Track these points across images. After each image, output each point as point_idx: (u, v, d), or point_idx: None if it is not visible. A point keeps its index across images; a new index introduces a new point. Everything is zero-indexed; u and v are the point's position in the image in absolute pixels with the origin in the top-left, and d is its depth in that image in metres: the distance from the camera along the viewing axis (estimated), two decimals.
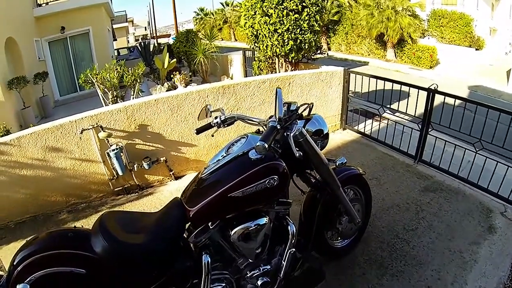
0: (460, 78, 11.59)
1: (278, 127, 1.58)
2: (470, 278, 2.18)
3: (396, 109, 3.71)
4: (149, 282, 1.51)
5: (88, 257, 1.38)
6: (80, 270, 1.37)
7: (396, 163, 3.58)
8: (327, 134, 1.99)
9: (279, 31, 4.94)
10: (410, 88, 3.45)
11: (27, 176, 3.07)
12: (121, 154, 3.25)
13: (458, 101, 3.13)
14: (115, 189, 3.44)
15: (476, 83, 10.96)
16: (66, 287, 1.42)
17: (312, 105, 1.95)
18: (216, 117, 1.90)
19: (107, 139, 3.20)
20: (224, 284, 1.68)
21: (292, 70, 5.34)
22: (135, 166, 3.36)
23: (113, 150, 3.19)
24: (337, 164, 1.93)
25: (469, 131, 3.04)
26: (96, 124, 3.15)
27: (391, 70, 13.08)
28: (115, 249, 1.39)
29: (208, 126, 1.94)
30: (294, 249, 1.78)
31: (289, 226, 1.77)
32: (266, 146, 1.42)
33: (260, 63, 5.82)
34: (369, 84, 3.89)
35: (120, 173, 3.28)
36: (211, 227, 1.60)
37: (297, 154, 1.63)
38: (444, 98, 3.19)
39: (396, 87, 3.56)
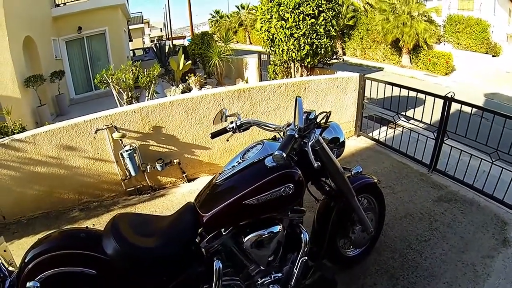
0: (476, 85, 11.34)
1: (296, 136, 1.57)
2: None
3: (411, 116, 3.65)
4: (160, 285, 1.52)
5: (99, 258, 1.40)
6: (90, 271, 1.39)
7: (410, 172, 3.53)
8: (343, 142, 1.98)
9: (295, 35, 4.92)
10: (426, 95, 3.40)
11: (41, 173, 3.11)
12: (135, 155, 3.28)
13: (475, 109, 3.06)
14: (128, 189, 3.46)
15: (493, 91, 10.70)
16: (76, 287, 1.44)
17: (330, 113, 1.95)
18: (231, 122, 1.90)
19: (121, 140, 3.23)
20: None
21: (307, 75, 5.33)
22: (148, 167, 3.38)
23: (126, 150, 3.22)
24: (352, 173, 1.92)
25: (485, 141, 2.96)
26: (111, 124, 3.19)
27: (406, 76, 12.92)
28: (126, 251, 1.40)
29: (224, 131, 1.94)
30: (306, 258, 1.76)
31: (302, 234, 1.75)
32: (284, 155, 1.41)
33: (276, 67, 5.81)
34: (384, 90, 3.85)
35: (133, 173, 3.31)
36: (224, 233, 1.60)
37: (315, 165, 1.60)
38: (461, 107, 3.13)
39: (412, 93, 3.52)
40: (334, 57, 6.19)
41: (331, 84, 4.08)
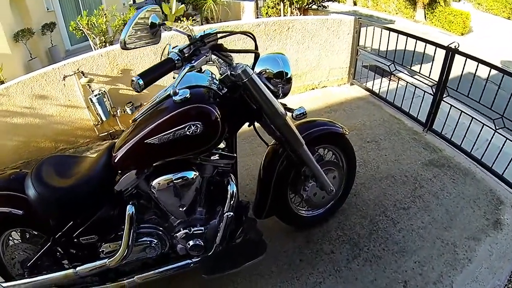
0: (492, 50, 9.59)
1: (175, 58, 1.12)
2: (458, 280, 1.65)
3: (409, 67, 2.88)
4: (75, 227, 1.40)
5: (23, 198, 1.35)
6: (17, 211, 1.38)
7: (403, 128, 2.87)
8: (290, 78, 1.50)
9: None
10: (436, 49, 2.53)
11: (18, 124, 2.92)
12: (104, 99, 2.95)
13: (482, 75, 2.28)
14: (100, 135, 3.20)
15: (509, 59, 9.05)
16: (10, 226, 1.50)
17: (254, 37, 1.37)
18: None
19: (89, 85, 2.91)
20: (154, 240, 1.46)
21: None
22: (118, 111, 3.08)
23: (95, 95, 2.91)
24: (294, 114, 1.43)
25: (490, 105, 2.25)
26: (78, 70, 2.85)
27: (418, 32, 11.03)
28: (42, 191, 1.32)
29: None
30: (231, 213, 1.43)
31: (229, 185, 1.42)
32: (141, 82, 1.03)
33: (269, 9, 4.99)
34: (388, 42, 3.02)
35: (103, 118, 3.01)
36: (136, 176, 1.35)
37: (222, 93, 1.30)
38: (465, 62, 2.36)
39: (420, 49, 2.67)
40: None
41: (320, 25, 3.30)
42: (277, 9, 4.86)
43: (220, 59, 1.27)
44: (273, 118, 1.41)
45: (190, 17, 7.53)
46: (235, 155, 1.46)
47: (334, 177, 1.78)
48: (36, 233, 1.54)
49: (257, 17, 7.26)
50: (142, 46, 1.17)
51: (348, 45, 3.48)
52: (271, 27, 3.21)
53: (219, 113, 1.25)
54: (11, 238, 1.59)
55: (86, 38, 10.62)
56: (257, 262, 1.55)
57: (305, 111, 1.44)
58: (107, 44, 5.41)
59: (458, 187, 2.20)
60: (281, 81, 1.46)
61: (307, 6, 4.44)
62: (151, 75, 1.04)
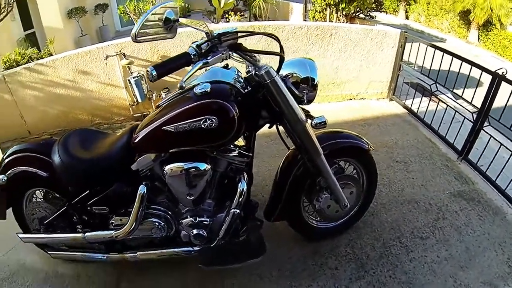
0: None
1: (192, 54, 1.12)
2: None
3: (451, 89, 2.67)
4: (90, 196, 1.51)
5: (49, 162, 1.47)
6: (43, 173, 1.52)
7: (436, 153, 2.69)
8: (317, 85, 1.47)
9: None
10: (482, 73, 2.33)
11: (60, 94, 3.15)
12: (142, 82, 3.09)
13: None
14: (135, 115, 3.36)
15: None
16: (34, 185, 1.67)
17: (278, 39, 1.32)
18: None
19: (128, 67, 3.07)
20: (161, 222, 1.52)
21: None
22: (154, 95, 3.21)
23: (134, 77, 3.05)
24: (314, 123, 1.38)
25: None
26: (120, 51, 3.01)
27: (469, 54, 9.99)
28: (65, 159, 1.43)
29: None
30: (238, 210, 1.45)
31: (240, 183, 1.43)
32: (155, 73, 1.05)
33: (316, 13, 4.90)
34: (432, 60, 2.83)
35: (139, 100, 3.16)
36: (151, 159, 1.41)
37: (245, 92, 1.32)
38: None
39: (465, 71, 2.45)
40: (380, 9, 4.93)
41: (364, 35, 3.18)
42: (324, 14, 4.77)
43: (242, 58, 1.27)
44: (293, 123, 1.39)
45: (239, 13, 7.59)
46: (250, 154, 1.46)
47: (351, 192, 1.72)
48: (57, 195, 1.67)
49: (304, 20, 7.18)
50: (156, 40, 1.20)
51: (391, 58, 3.34)
52: (314, 32, 3.16)
53: (237, 111, 1.26)
54: (35, 196, 1.77)
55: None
56: (254, 263, 1.55)
57: (325, 121, 1.40)
58: None
59: (484, 226, 2.01)
60: (307, 87, 1.43)
61: (354, 14, 4.30)
62: (165, 67, 1.08)
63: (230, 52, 1.22)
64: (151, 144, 1.38)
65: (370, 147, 1.68)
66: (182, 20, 1.19)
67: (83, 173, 1.46)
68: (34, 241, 1.76)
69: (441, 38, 12.38)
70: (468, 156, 2.55)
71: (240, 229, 1.58)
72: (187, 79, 1.11)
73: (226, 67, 1.42)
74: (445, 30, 13.21)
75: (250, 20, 8.21)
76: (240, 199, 1.44)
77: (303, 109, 1.45)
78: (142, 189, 1.42)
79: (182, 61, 1.11)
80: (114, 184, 1.47)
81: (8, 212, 1.77)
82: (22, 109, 3.16)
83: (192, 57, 1.12)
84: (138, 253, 1.61)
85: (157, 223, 1.51)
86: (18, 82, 3.04)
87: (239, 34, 1.23)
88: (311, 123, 1.40)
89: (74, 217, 1.65)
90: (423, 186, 2.33)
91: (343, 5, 4.01)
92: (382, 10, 5.01)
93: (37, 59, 3.62)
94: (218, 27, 1.13)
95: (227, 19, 7.40)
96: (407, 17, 14.93)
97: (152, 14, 1.11)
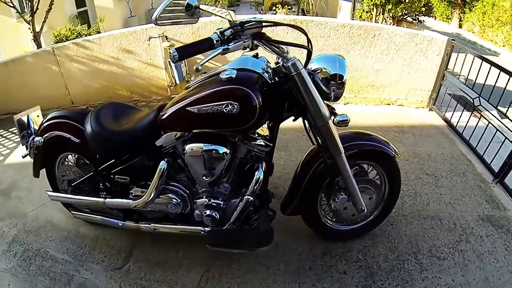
0: None
1: (215, 40, 1.15)
2: None
3: (496, 106, 2.47)
4: (115, 165, 1.60)
5: (82, 130, 1.58)
6: (76, 139, 1.64)
7: (470, 171, 2.53)
8: (344, 82, 1.42)
9: None
10: None
11: (103, 70, 3.36)
12: (181, 64, 3.21)
13: None
14: (171, 96, 3.49)
15: None
16: (67, 150, 1.81)
17: (310, 51, 1.32)
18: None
19: (170, 49, 3.18)
20: (178, 199, 1.59)
21: None
22: (192, 78, 3.28)
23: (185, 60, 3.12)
24: (336, 120, 1.37)
25: None
26: (163, 34, 3.13)
27: None
28: (96, 129, 1.53)
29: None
30: (251, 198, 1.48)
31: (257, 171, 1.45)
32: (176, 55, 1.10)
33: (363, 13, 4.72)
34: (478, 72, 2.63)
35: (177, 81, 3.28)
36: (175, 137, 1.46)
37: (271, 82, 1.33)
38: None
39: None
40: (430, 13, 4.64)
41: (408, 39, 3.02)
42: (371, 14, 4.59)
43: (268, 48, 1.27)
44: (316, 118, 1.38)
45: (286, 6, 7.49)
46: (271, 144, 1.47)
47: (370, 197, 1.68)
48: (87, 162, 1.79)
49: (352, 19, 6.96)
50: (178, 24, 1.23)
51: (435, 66, 3.15)
52: (356, 31, 3.06)
53: (260, 100, 1.27)
54: (67, 160, 1.92)
55: None
56: (261, 252, 1.61)
57: (348, 119, 1.38)
58: None
59: (509, 257, 1.85)
60: (335, 83, 1.39)
61: (401, 17, 4.10)
62: (187, 51, 1.12)
63: (254, 41, 1.23)
64: (176, 123, 1.43)
65: (397, 154, 1.62)
66: (203, 7, 1.22)
67: (110, 143, 1.55)
68: (60, 200, 1.91)
69: (494, 51, 11.34)
70: (504, 179, 2.35)
71: (252, 217, 1.60)
72: (204, 62, 1.13)
73: (256, 56, 1.43)
74: (499, 44, 12.10)
75: (298, 14, 8.11)
76: (255, 187, 1.46)
77: (328, 106, 1.43)
78: (163, 164, 1.49)
79: (204, 45, 1.14)
80: (138, 157, 1.55)
81: (42, 173, 1.94)
82: (67, 81, 3.40)
83: (215, 42, 1.15)
84: (152, 225, 1.70)
85: (173, 199, 1.58)
86: (65, 55, 3.27)
87: (264, 24, 1.24)
88: (333, 120, 1.38)
89: (99, 184, 1.77)
90: (451, 204, 2.21)
91: (390, 6, 3.83)
92: (431, 15, 4.71)
93: (86, 36, 3.85)
94: (244, 17, 1.16)
95: (275, 11, 7.32)
96: (460, 26, 13.86)
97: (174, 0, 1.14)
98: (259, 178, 1.45)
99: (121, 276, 1.73)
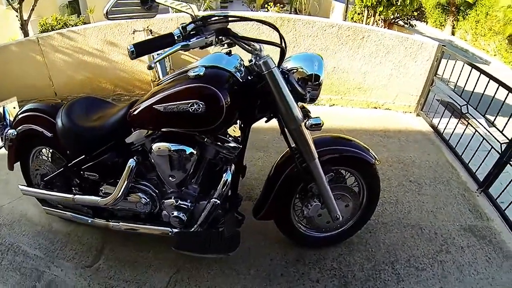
0: None
1: (175, 35, 1.07)
2: None
3: (483, 114, 2.42)
4: (84, 161, 1.55)
5: (54, 124, 1.53)
6: (47, 133, 1.60)
7: (454, 180, 2.47)
8: (321, 83, 1.32)
9: None
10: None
11: (87, 62, 3.27)
12: (166, 59, 3.14)
13: None
14: None
15: None
16: (40, 143, 1.77)
17: (283, 49, 1.24)
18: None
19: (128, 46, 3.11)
20: (146, 198, 1.53)
21: None
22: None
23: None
24: (308, 123, 1.27)
25: None
26: (147, 27, 3.06)
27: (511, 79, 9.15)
28: (66, 123, 1.49)
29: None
30: (218, 201, 1.43)
31: (225, 173, 1.41)
32: (133, 50, 1.02)
33: (355, 14, 4.67)
34: (467, 79, 2.58)
35: (161, 76, 3.23)
36: (144, 135, 1.42)
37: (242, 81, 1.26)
38: None
39: (503, 97, 2.23)
40: (422, 17, 4.62)
41: (398, 43, 2.97)
42: (363, 16, 4.54)
43: (237, 45, 1.20)
44: (287, 120, 1.30)
45: (278, 4, 7.42)
46: (240, 146, 1.39)
47: (347, 205, 1.62)
48: (61, 156, 1.73)
49: (344, 20, 6.92)
50: (133, 18, 1.15)
51: (424, 72, 3.10)
52: (345, 32, 3.01)
53: (227, 99, 1.20)
54: (41, 154, 1.88)
55: None
56: (223, 257, 1.57)
57: (321, 123, 1.29)
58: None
59: (490, 269, 1.79)
60: (312, 84, 1.31)
61: (393, 20, 4.04)
62: (145, 46, 1.04)
63: (219, 38, 1.16)
64: (144, 121, 1.38)
65: (377, 161, 1.55)
66: (160, 0, 1.14)
67: (79, 138, 1.51)
68: (31, 194, 1.86)
69: (485, 60, 11.45)
70: (488, 189, 2.30)
71: (220, 220, 1.54)
72: (158, 60, 1.06)
73: (229, 53, 1.35)
74: (491, 52, 12.18)
75: (290, 13, 8.04)
76: (223, 190, 1.41)
77: (303, 108, 1.35)
78: (131, 162, 1.44)
79: (164, 41, 1.07)
80: (107, 154, 1.50)
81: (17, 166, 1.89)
82: (51, 72, 3.30)
83: (176, 38, 1.07)
84: (121, 223, 1.66)
85: (143, 198, 1.53)
86: (50, 45, 3.18)
87: (229, 19, 1.17)
88: (305, 123, 1.30)
89: (72, 179, 1.72)
90: (433, 212, 2.15)
91: (381, 9, 3.77)
92: (423, 20, 4.68)
93: (72, 26, 3.76)
94: (211, 13, 1.11)
95: (266, 9, 7.24)
96: (453, 33, 13.96)
97: None
98: (227, 180, 1.39)
99: (91, 275, 1.69)
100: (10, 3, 4.60)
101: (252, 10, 7.41)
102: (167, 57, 3.08)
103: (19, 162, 1.88)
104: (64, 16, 4.55)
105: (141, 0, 1.11)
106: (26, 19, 4.53)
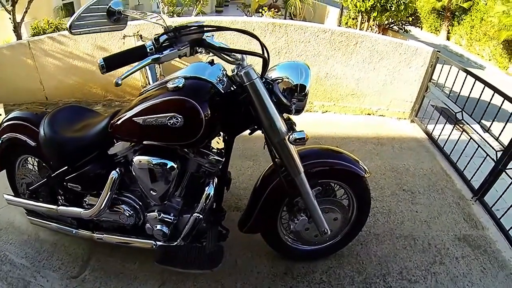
0: None
1: (148, 47, 1.00)
2: None
3: (478, 121, 2.37)
4: (67, 172, 1.50)
5: (38, 133, 1.49)
6: (31, 142, 1.55)
7: (449, 188, 2.42)
8: (307, 94, 1.26)
9: None
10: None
11: (78, 66, 3.23)
12: (156, 66, 3.07)
13: None
14: None
15: None
16: (24, 152, 1.71)
17: (265, 59, 1.17)
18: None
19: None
20: (130, 210, 1.49)
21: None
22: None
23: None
24: (292, 138, 1.21)
25: None
26: (138, 32, 3.01)
27: (506, 84, 8.75)
28: (48, 133, 1.45)
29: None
30: (200, 215, 1.38)
31: (207, 187, 1.36)
32: (103, 63, 0.95)
33: (349, 19, 4.64)
34: (462, 85, 2.54)
35: (151, 82, 3.13)
36: (126, 147, 1.40)
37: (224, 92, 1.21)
38: None
39: (499, 103, 2.17)
40: (417, 22, 4.60)
41: (392, 49, 2.94)
42: (357, 21, 4.51)
43: (216, 56, 1.15)
44: (271, 134, 1.24)
45: (273, 9, 7.40)
46: (222, 159, 1.34)
47: (335, 218, 1.56)
48: (46, 165, 1.69)
49: (339, 25, 6.90)
50: (101, 32, 1.09)
51: (419, 78, 3.05)
52: (338, 37, 2.97)
53: (207, 112, 1.16)
54: (27, 162, 1.85)
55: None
56: (206, 273, 1.51)
57: (305, 137, 1.22)
58: (174, 15, 5.82)
59: (485, 280, 1.74)
60: (297, 95, 1.24)
61: (387, 26, 4.01)
62: (116, 60, 0.97)
63: (195, 49, 1.11)
64: (125, 133, 1.34)
65: (367, 173, 1.49)
66: (128, 12, 1.08)
67: (61, 148, 1.47)
68: (15, 204, 1.81)
69: (480, 65, 11.46)
70: (483, 197, 2.25)
71: (204, 235, 1.49)
72: (125, 76, 0.96)
73: (211, 62, 1.30)
74: (485, 57, 12.17)
75: (285, 18, 8.01)
76: (205, 204, 1.35)
77: (288, 120, 1.29)
78: (114, 174, 1.40)
79: (136, 53, 1.00)
80: (90, 165, 1.46)
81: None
82: (42, 76, 3.26)
83: (148, 50, 1.00)
84: (104, 235, 1.62)
85: (126, 211, 1.49)
86: (41, 49, 3.14)
87: (205, 29, 1.10)
88: (289, 137, 1.24)
89: (56, 190, 1.68)
90: (426, 222, 2.09)
91: (375, 14, 3.74)
92: (418, 25, 4.65)
93: (64, 30, 3.72)
94: (181, 21, 1.03)
95: (261, 14, 7.19)
96: (448, 38, 13.98)
97: (92, 5, 1.01)
98: (209, 194, 1.35)
99: (76, 286, 1.65)
100: (3, 4, 4.56)
101: (246, 15, 7.37)
102: (159, 64, 3.03)
103: (5, 170, 1.84)
104: (57, 19, 4.51)
105: (107, 12, 1.04)
106: (19, 21, 4.49)
